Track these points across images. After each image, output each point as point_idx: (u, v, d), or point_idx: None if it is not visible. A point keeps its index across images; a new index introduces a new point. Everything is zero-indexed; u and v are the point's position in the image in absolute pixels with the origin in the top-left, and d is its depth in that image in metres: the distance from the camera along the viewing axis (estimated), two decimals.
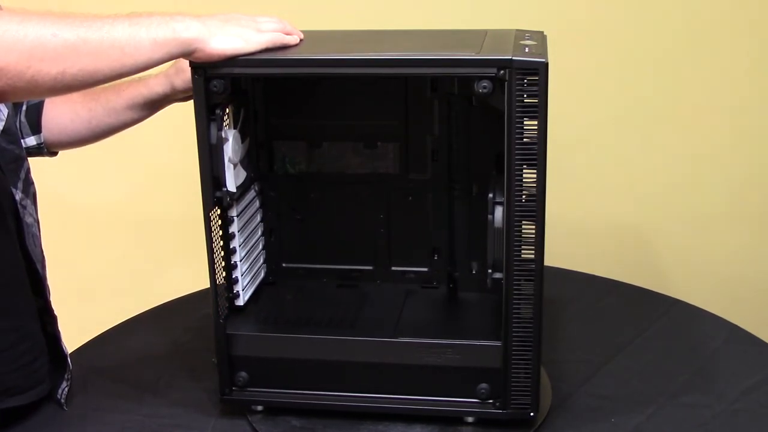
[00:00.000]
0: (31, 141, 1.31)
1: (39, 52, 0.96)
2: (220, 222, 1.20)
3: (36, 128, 1.32)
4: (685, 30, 1.90)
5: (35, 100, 1.32)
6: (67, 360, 1.30)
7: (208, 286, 1.17)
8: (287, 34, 1.14)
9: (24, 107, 1.31)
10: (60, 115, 1.33)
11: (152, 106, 1.32)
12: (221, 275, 1.20)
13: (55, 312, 1.28)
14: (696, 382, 1.28)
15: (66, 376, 1.29)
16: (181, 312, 1.55)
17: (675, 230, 2.02)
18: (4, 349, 1.18)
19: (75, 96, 1.33)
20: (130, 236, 2.16)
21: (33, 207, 1.27)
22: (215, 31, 1.05)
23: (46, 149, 1.34)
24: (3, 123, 1.21)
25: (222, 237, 1.20)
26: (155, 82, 1.30)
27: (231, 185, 1.17)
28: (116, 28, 1.00)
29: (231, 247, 1.21)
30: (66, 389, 1.28)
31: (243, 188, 1.23)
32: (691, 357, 1.35)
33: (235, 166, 1.18)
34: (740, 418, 1.20)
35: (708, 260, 2.03)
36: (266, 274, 1.36)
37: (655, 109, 1.95)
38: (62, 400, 1.27)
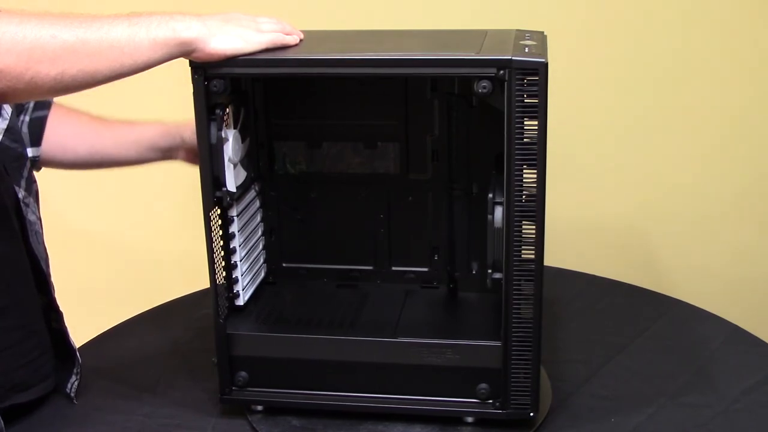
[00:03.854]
0: (28, 152, 1.31)
1: (38, 54, 0.96)
2: (220, 222, 1.20)
3: (36, 141, 1.32)
4: (685, 30, 1.90)
5: (39, 112, 1.32)
6: (76, 354, 1.30)
7: (208, 286, 1.17)
8: (287, 34, 1.14)
9: (27, 118, 1.31)
10: (65, 132, 1.33)
11: (158, 150, 1.35)
12: (221, 275, 1.20)
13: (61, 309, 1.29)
14: (696, 382, 1.28)
15: (75, 371, 1.29)
16: (181, 312, 1.55)
17: (675, 230, 2.02)
18: (10, 346, 1.19)
19: (85, 118, 1.34)
20: (129, 236, 2.15)
21: (35, 205, 1.27)
22: (215, 31, 1.05)
23: (39, 164, 1.34)
24: (6, 122, 1.21)
25: (222, 237, 1.20)
26: (168, 127, 1.33)
27: (231, 185, 1.17)
28: (115, 28, 1.00)
29: (231, 247, 1.21)
30: (76, 383, 1.28)
31: (243, 188, 1.23)
32: (691, 357, 1.35)
33: (235, 166, 1.18)
34: (740, 418, 1.20)
35: (708, 260, 2.03)
36: (266, 274, 1.36)
37: (655, 109, 1.95)
38: (72, 394, 1.27)
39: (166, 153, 1.36)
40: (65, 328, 1.29)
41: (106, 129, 1.35)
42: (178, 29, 1.03)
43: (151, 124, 1.35)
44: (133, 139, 1.34)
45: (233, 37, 1.06)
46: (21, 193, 1.22)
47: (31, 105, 1.32)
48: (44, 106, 1.33)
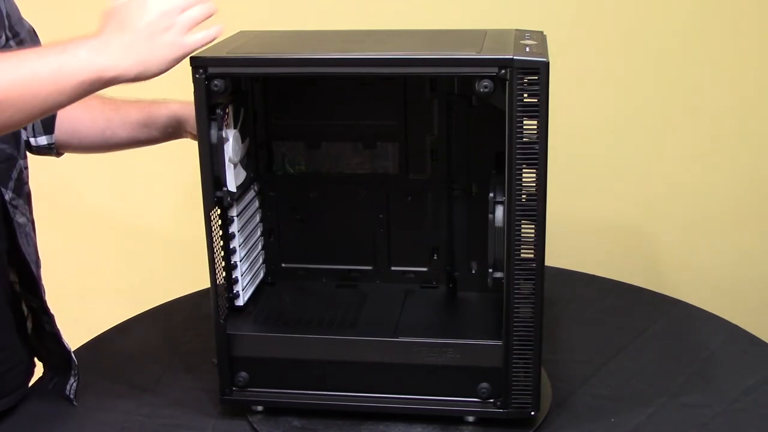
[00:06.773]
0: (42, 140, 1.32)
1: None
2: (220, 222, 1.20)
3: (49, 129, 1.32)
4: (685, 29, 1.90)
5: None
6: (71, 356, 1.29)
7: (208, 286, 1.17)
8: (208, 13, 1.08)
9: None
10: (76, 118, 1.33)
11: (166, 129, 1.35)
12: (221, 275, 1.20)
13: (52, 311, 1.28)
14: (696, 382, 1.28)
15: (72, 372, 1.28)
16: (181, 312, 1.55)
17: (675, 230, 2.02)
18: None
19: (95, 102, 1.34)
20: (130, 236, 2.15)
21: (26, 207, 1.26)
22: (138, 58, 1.03)
23: (56, 150, 1.35)
24: None
25: (222, 237, 1.20)
26: (175, 106, 1.33)
27: (231, 185, 1.17)
28: (40, 70, 0.99)
29: (231, 247, 1.21)
30: (74, 384, 1.28)
31: (243, 188, 1.23)
32: (691, 357, 1.35)
33: (235, 166, 1.18)
34: (740, 418, 1.20)
35: (708, 260, 2.03)
36: (266, 274, 1.36)
37: (655, 109, 1.95)
38: (71, 396, 1.26)
39: (176, 131, 1.36)
40: (57, 330, 1.28)
41: (115, 114, 1.35)
42: (102, 68, 1.01)
43: (159, 104, 1.35)
44: (141, 119, 1.35)
45: (157, 59, 1.04)
46: (8, 195, 1.20)
47: None
48: None
